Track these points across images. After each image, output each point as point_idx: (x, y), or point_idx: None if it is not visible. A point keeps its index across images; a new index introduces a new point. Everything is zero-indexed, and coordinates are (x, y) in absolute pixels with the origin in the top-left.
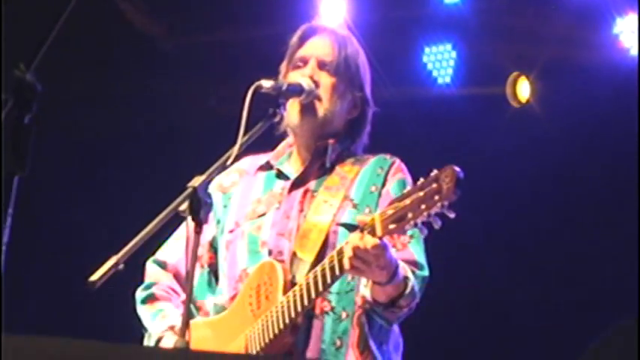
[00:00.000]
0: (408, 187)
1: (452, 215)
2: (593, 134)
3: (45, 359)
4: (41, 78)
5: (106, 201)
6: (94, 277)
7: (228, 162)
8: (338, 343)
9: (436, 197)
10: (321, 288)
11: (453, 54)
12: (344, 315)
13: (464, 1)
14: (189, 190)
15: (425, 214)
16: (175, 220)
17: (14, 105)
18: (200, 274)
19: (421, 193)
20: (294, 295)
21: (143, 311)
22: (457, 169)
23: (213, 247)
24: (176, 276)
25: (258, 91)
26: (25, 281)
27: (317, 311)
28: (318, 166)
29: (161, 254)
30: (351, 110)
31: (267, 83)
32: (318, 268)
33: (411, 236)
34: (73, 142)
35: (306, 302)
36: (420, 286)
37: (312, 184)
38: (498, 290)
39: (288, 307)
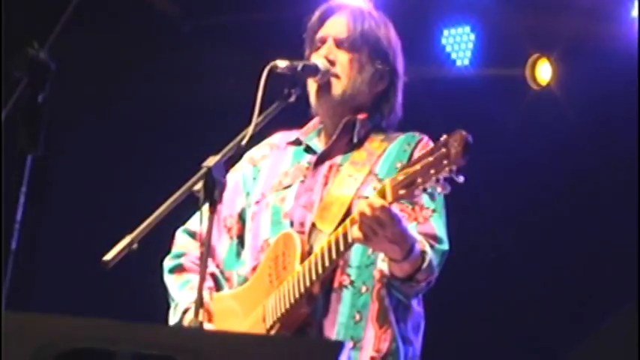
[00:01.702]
0: None
1: (460, 180)
2: (610, 119)
3: (63, 337)
4: (60, 58)
5: (124, 178)
6: (107, 257)
7: (243, 142)
8: (357, 317)
9: (445, 162)
10: (334, 256)
11: (472, 36)
12: (364, 289)
13: None
14: (203, 170)
15: (433, 178)
16: (190, 200)
17: (28, 84)
18: (229, 245)
19: (431, 158)
20: (310, 265)
21: (171, 281)
22: (465, 133)
23: (242, 218)
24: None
25: (274, 72)
26: (39, 260)
27: (335, 285)
28: (347, 141)
29: (191, 224)
30: (377, 83)
31: (282, 63)
32: (332, 237)
33: (434, 210)
34: (90, 121)
35: (320, 271)
36: (440, 260)
37: (338, 159)
38: (513, 268)
39: (304, 277)
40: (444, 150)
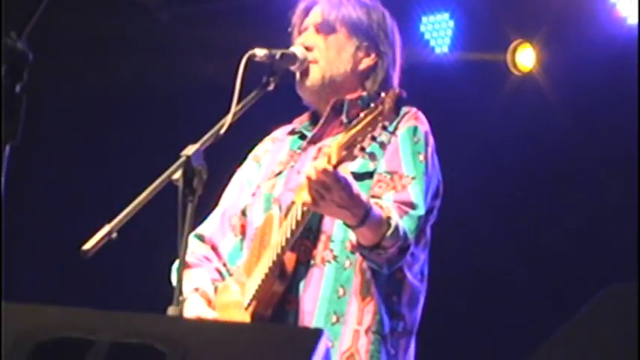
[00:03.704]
0: (419, 135)
1: None
2: (590, 105)
3: (43, 327)
4: (35, 47)
5: (102, 168)
6: (86, 246)
7: (222, 131)
8: (341, 291)
9: (379, 118)
10: (293, 226)
11: (451, 23)
12: (347, 263)
13: None
14: (182, 159)
15: (369, 136)
16: (169, 189)
17: (5, 74)
18: (234, 243)
19: (369, 117)
20: (278, 237)
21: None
22: (397, 89)
23: (245, 215)
24: (213, 247)
25: (252, 60)
26: (18, 249)
27: (318, 260)
28: (338, 123)
29: (200, 228)
30: (361, 60)
31: (260, 52)
32: (293, 209)
33: (413, 177)
34: (69, 110)
35: (284, 243)
36: (415, 225)
37: (328, 141)
38: (499, 260)
39: (272, 249)
40: (380, 108)
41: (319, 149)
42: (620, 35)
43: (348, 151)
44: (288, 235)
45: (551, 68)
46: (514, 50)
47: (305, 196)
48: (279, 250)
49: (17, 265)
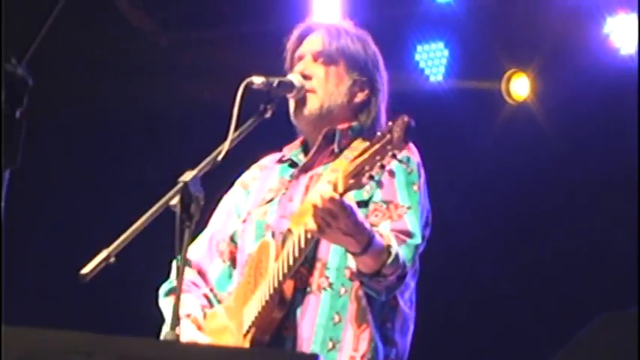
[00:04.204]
0: (412, 165)
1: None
2: (584, 134)
3: (42, 350)
4: (34, 72)
5: (97, 192)
6: (85, 270)
7: (219, 158)
8: (336, 318)
9: (388, 147)
10: (297, 253)
11: (446, 52)
12: (343, 291)
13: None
14: (180, 185)
15: (378, 164)
16: (166, 215)
17: (6, 99)
18: (222, 269)
19: (377, 146)
20: (278, 265)
21: (165, 304)
22: (407, 118)
23: (233, 240)
24: (199, 272)
25: (250, 88)
26: (17, 274)
27: (314, 287)
28: (329, 152)
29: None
30: (356, 94)
31: (258, 80)
32: (295, 236)
33: (409, 207)
34: (66, 133)
35: (285, 270)
36: (413, 254)
37: (319, 169)
38: (493, 287)
39: (273, 277)
40: (388, 136)
41: (311, 177)
42: (613, 65)
43: (356, 180)
44: (291, 263)
45: (546, 97)
46: (508, 79)
47: (310, 224)
48: (280, 278)
49: (16, 289)
